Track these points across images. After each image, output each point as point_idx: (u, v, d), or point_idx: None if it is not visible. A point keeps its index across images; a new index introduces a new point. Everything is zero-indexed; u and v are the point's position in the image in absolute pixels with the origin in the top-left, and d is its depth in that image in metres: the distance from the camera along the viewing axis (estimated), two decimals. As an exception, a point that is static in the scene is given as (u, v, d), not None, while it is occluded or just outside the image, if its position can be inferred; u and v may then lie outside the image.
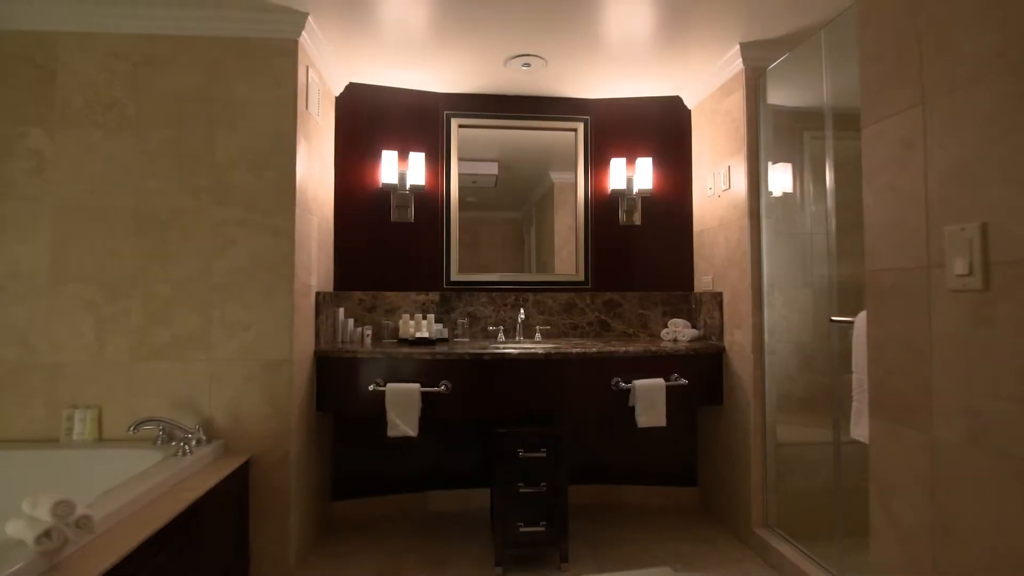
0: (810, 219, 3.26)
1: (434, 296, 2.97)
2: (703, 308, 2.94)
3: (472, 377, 2.41)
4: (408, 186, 2.92)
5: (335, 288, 2.88)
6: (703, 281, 2.96)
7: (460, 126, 3.06)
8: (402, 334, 2.74)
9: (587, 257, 3.09)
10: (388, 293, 2.93)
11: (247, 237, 2.22)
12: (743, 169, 2.54)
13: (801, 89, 2.81)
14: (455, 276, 3.00)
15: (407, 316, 2.76)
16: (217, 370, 2.20)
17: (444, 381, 2.38)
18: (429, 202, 3.02)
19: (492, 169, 3.21)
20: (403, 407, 2.31)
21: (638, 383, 2.43)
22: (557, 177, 3.16)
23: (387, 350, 2.45)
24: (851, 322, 1.83)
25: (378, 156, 2.93)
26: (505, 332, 2.97)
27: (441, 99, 3.05)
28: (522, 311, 2.89)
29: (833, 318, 2.06)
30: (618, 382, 2.46)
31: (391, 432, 2.31)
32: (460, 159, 3.07)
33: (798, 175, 3.25)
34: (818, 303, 3.25)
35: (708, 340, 2.86)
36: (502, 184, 3.15)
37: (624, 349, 2.49)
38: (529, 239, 3.18)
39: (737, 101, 2.59)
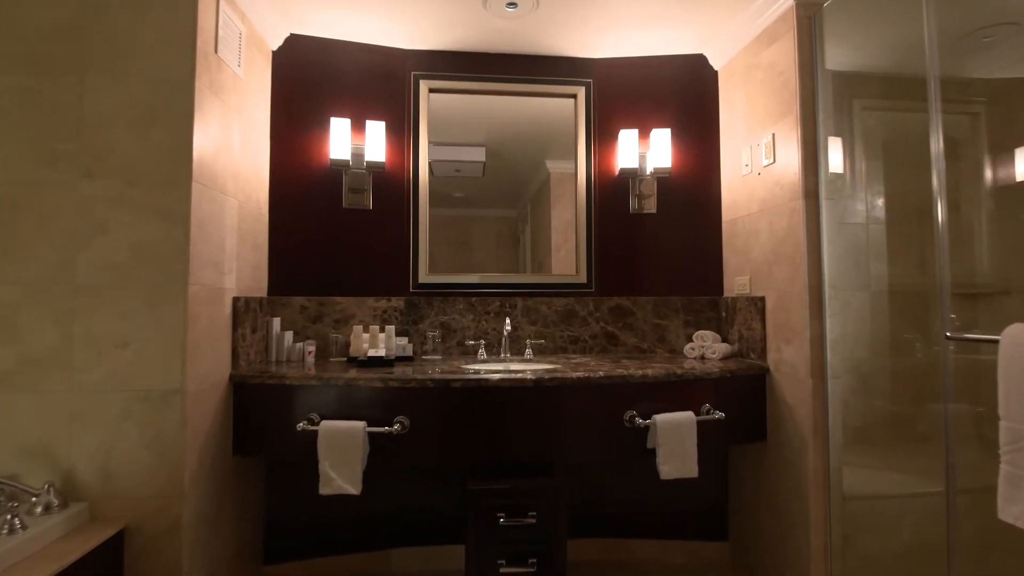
0: (866, 207, 2.67)
1: (398, 302, 2.36)
2: (737, 317, 2.33)
3: (438, 410, 1.79)
4: (365, 164, 2.31)
5: (269, 292, 2.27)
6: (737, 283, 2.35)
7: (432, 91, 2.46)
8: (353, 351, 2.13)
9: (589, 254, 2.48)
10: (339, 298, 2.32)
11: (125, 222, 1.61)
12: (795, 136, 1.94)
13: (854, 46, 2.22)
14: (425, 277, 2.39)
15: (360, 328, 2.15)
16: (81, 404, 1.59)
17: (400, 417, 1.77)
18: (392, 185, 2.41)
19: (478, 155, 2.60)
20: (341, 454, 1.70)
21: (660, 419, 1.82)
22: (554, 166, 2.57)
23: (326, 374, 1.83)
24: (988, 341, 1.22)
25: (326, 126, 2.33)
26: (487, 347, 2.36)
27: (408, 57, 2.45)
28: (508, 321, 2.27)
29: (950, 334, 1.44)
30: (633, 416, 1.85)
31: (323, 489, 1.69)
32: (440, 143, 2.47)
33: (848, 153, 2.67)
34: (876, 310, 2.66)
35: (745, 358, 2.25)
36: (491, 174, 2.55)
37: (640, 372, 1.88)
38: (524, 238, 2.59)
39: (785, 49, 1.99)
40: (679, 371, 1.93)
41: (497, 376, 1.78)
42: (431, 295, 2.39)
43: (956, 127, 2.88)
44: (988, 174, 2.77)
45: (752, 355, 2.21)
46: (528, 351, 2.31)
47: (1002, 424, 1.13)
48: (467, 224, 2.54)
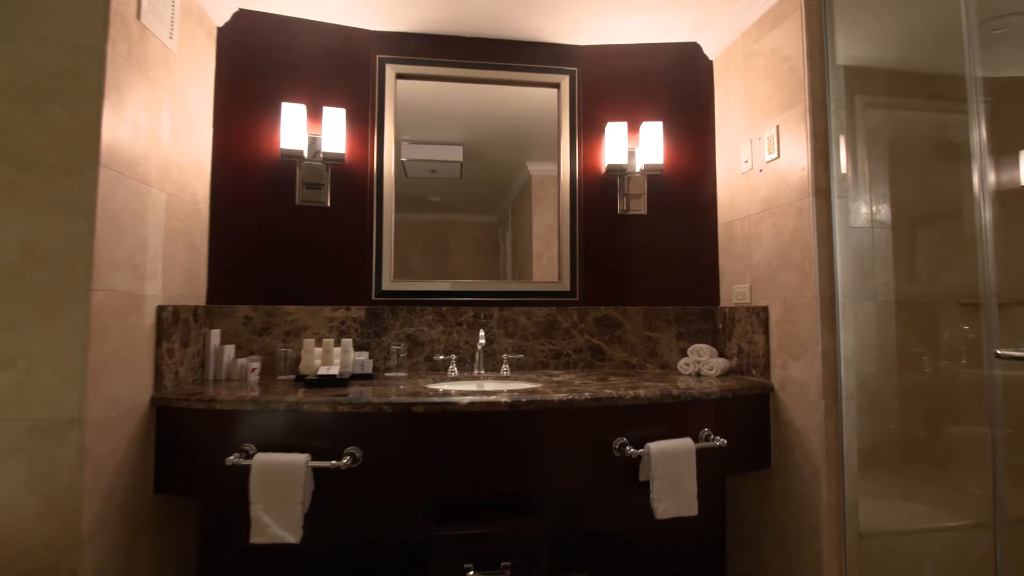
0: (870, 210, 2.48)
1: (358, 312, 2.09)
2: (736, 329, 2.10)
3: (397, 440, 1.53)
4: (321, 155, 2.05)
5: (209, 300, 1.98)
6: (736, 291, 2.13)
7: (400, 76, 2.21)
8: (303, 368, 1.85)
9: (573, 258, 2.24)
10: (290, 308, 2.04)
11: (14, 213, 1.33)
12: (804, 127, 1.73)
13: (857, 37, 2.04)
14: (389, 284, 2.13)
15: (311, 342, 1.88)
16: (-49, 438, 1.29)
17: (352, 448, 1.50)
18: (354, 180, 2.15)
19: (456, 155, 2.36)
20: (278, 493, 1.42)
21: (655, 448, 1.58)
22: (536, 169, 2.34)
23: (265, 397, 1.56)
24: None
25: (278, 112, 2.06)
26: (459, 363, 2.10)
27: (373, 39, 2.21)
28: (482, 334, 2.02)
29: (1001, 351, 1.22)
30: (624, 444, 1.61)
31: (255, 537, 1.42)
32: (414, 141, 2.23)
33: (851, 152, 2.48)
34: (883, 322, 2.46)
35: (746, 375, 2.02)
36: (470, 176, 2.30)
37: (631, 393, 1.64)
38: (505, 245, 2.35)
39: (791, 31, 1.79)
40: (675, 391, 1.69)
41: (466, 399, 1.52)
42: (396, 304, 2.12)
43: (961, 128, 2.72)
44: (992, 178, 2.61)
45: (754, 372, 1.98)
46: (505, 367, 2.06)
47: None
48: (445, 230, 2.30)
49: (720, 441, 1.68)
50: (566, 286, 2.22)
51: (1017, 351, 1.14)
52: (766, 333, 1.92)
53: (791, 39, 1.79)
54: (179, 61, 1.77)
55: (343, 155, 2.06)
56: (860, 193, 2.46)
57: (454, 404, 1.51)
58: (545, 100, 2.31)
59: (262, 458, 1.44)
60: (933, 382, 2.38)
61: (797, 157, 1.76)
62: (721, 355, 2.18)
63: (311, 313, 2.05)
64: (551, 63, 2.29)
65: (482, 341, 2.00)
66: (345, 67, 2.17)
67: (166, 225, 1.69)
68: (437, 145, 2.33)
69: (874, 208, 2.43)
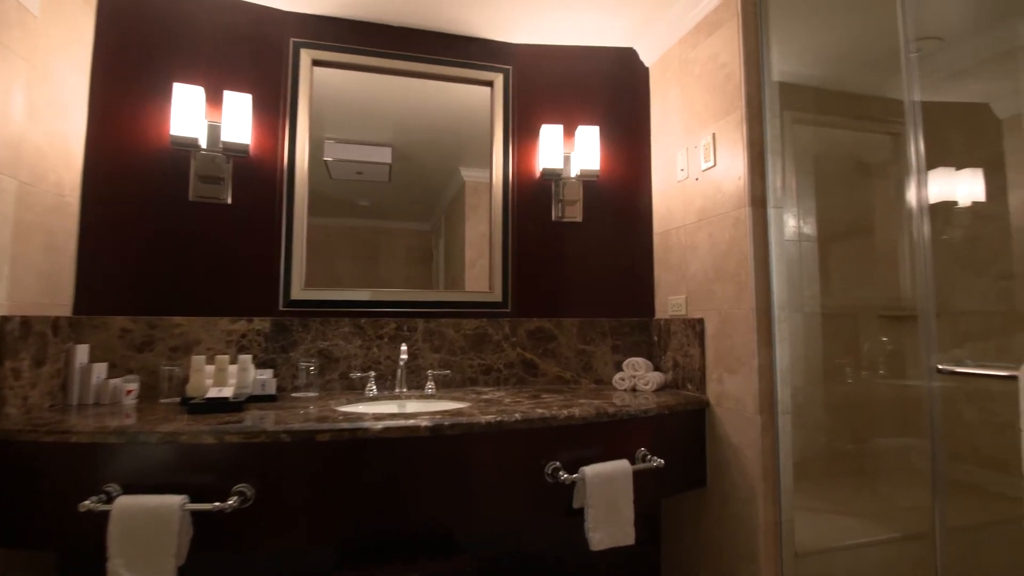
0: (798, 223, 2.52)
1: (263, 324, 1.85)
2: (671, 342, 2.04)
3: (298, 473, 1.32)
4: (221, 145, 1.80)
5: (76, 310, 1.68)
6: (671, 303, 2.06)
7: (316, 63, 2.01)
8: (191, 389, 1.60)
9: (506, 267, 2.11)
10: (180, 319, 1.77)
11: None
12: (740, 135, 1.68)
13: (787, 53, 2.05)
14: (300, 293, 1.90)
15: (202, 359, 1.62)
16: None
17: (242, 485, 1.27)
18: (261, 176, 1.92)
19: (384, 156, 2.17)
20: (143, 545, 1.17)
21: (590, 472, 1.45)
22: (470, 175, 2.19)
23: (134, 427, 1.30)
24: (999, 377, 0.97)
25: (169, 94, 1.80)
26: (378, 381, 1.90)
27: (287, 20, 1.99)
28: (405, 348, 1.83)
29: (942, 367, 1.19)
30: (557, 469, 1.47)
31: (111, 601, 1.16)
32: (339, 140, 2.02)
33: (780, 165, 2.52)
34: (811, 335, 2.49)
35: (681, 389, 1.96)
36: (400, 180, 2.12)
37: (566, 412, 1.51)
38: (438, 253, 2.17)
39: (728, 38, 1.75)
40: (611, 409, 1.58)
41: (381, 425, 1.34)
42: (307, 315, 1.90)
43: (879, 148, 2.84)
44: (924, 194, 2.73)
45: (689, 386, 1.92)
46: (430, 385, 1.88)
47: (1031, 489, 0.86)
48: (375, 237, 2.10)
49: (658, 462, 1.58)
50: (497, 296, 2.08)
51: (957, 366, 1.11)
52: (702, 346, 1.86)
53: (728, 46, 1.75)
54: (43, 27, 1.49)
55: (247, 146, 1.82)
56: (789, 206, 2.50)
57: (366, 431, 1.32)
58: (478, 101, 2.18)
59: (125, 502, 1.18)
60: (857, 394, 2.43)
61: (733, 166, 1.71)
62: (656, 369, 2.11)
63: (205, 325, 1.79)
64: (484, 60, 2.16)
65: (404, 356, 1.81)
66: (254, 49, 1.94)
67: (16, 218, 1.40)
68: (364, 145, 2.14)
69: (801, 222, 2.46)
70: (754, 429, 1.61)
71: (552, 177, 2.14)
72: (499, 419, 1.42)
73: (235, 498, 1.25)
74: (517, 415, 1.45)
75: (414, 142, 2.14)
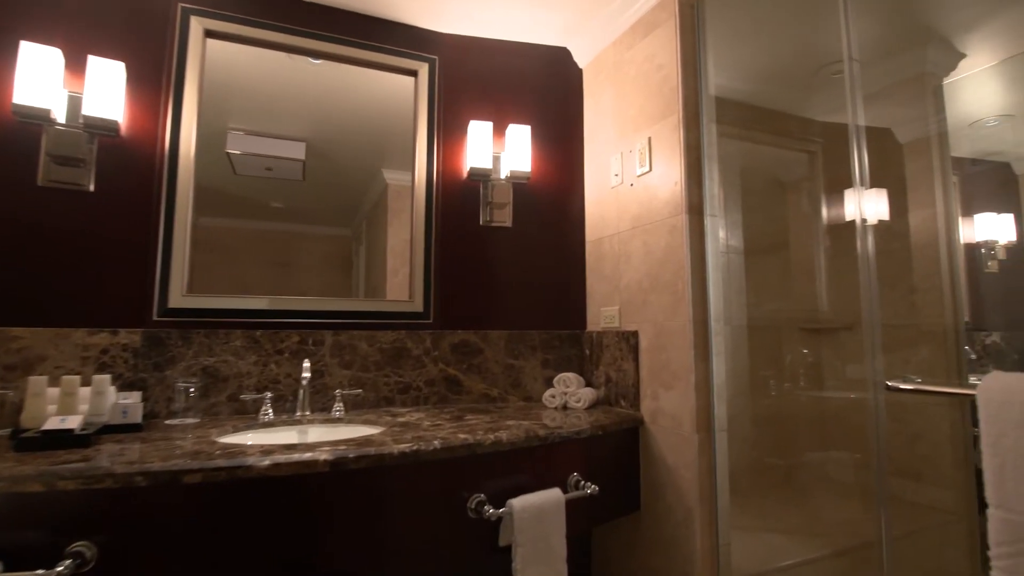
0: (725, 235, 2.51)
1: (131, 337, 1.54)
2: (604, 356, 1.93)
3: (160, 526, 1.05)
4: (82, 119, 1.49)
5: None
6: (604, 315, 1.96)
7: (210, 34, 1.74)
8: (27, 419, 1.27)
9: (428, 275, 1.92)
10: (19, 331, 1.43)
11: None
12: (677, 140, 1.61)
13: (721, 66, 2.04)
14: (180, 300, 1.61)
15: (43, 380, 1.30)
16: None
17: (80, 544, 0.99)
18: (135, 161, 1.61)
19: (296, 152, 1.91)
20: (-77, 637, 0.87)
21: (518, 505, 1.29)
22: (393, 177, 1.99)
23: (-75, 472, 0.98)
24: (956, 395, 0.91)
25: (14, 55, 1.47)
26: (277, 403, 1.64)
27: (173, -18, 1.71)
28: (307, 364, 1.59)
29: (891, 383, 1.13)
30: (481, 503, 1.30)
31: None
32: (247, 131, 1.76)
33: (714, 174, 2.52)
34: (738, 348, 2.48)
35: (614, 406, 1.85)
36: (316, 179, 1.88)
37: (492, 437, 1.34)
38: (358, 261, 1.95)
39: (664, 38, 1.69)
40: (541, 432, 1.43)
41: (267, 461, 1.10)
42: (190, 326, 1.61)
43: (796, 165, 2.94)
44: (824, 212, 2.83)
45: (623, 402, 1.81)
46: (338, 406, 1.65)
47: (994, 514, 0.80)
48: (290, 242, 1.84)
49: (592, 488, 1.44)
50: (418, 307, 1.88)
51: (904, 383, 1.06)
52: (636, 360, 1.76)
53: (664, 47, 1.68)
54: None
55: (117, 124, 1.52)
56: (720, 217, 2.50)
57: (249, 468, 1.08)
58: (402, 94, 1.99)
59: None
60: (780, 407, 2.45)
61: (670, 171, 1.63)
62: (588, 384, 1.99)
63: (54, 339, 1.46)
64: (408, 47, 1.98)
65: (307, 374, 1.57)
66: (131, 10, 1.64)
67: None
68: (274, 139, 1.88)
69: (728, 233, 2.46)
70: (691, 448, 1.52)
71: (480, 178, 1.99)
72: (415, 448, 1.22)
73: (69, 562, 0.97)
74: (436, 443, 1.26)
75: (332, 138, 1.92)
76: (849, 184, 2.77)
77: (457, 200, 2.00)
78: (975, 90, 2.60)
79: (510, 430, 1.40)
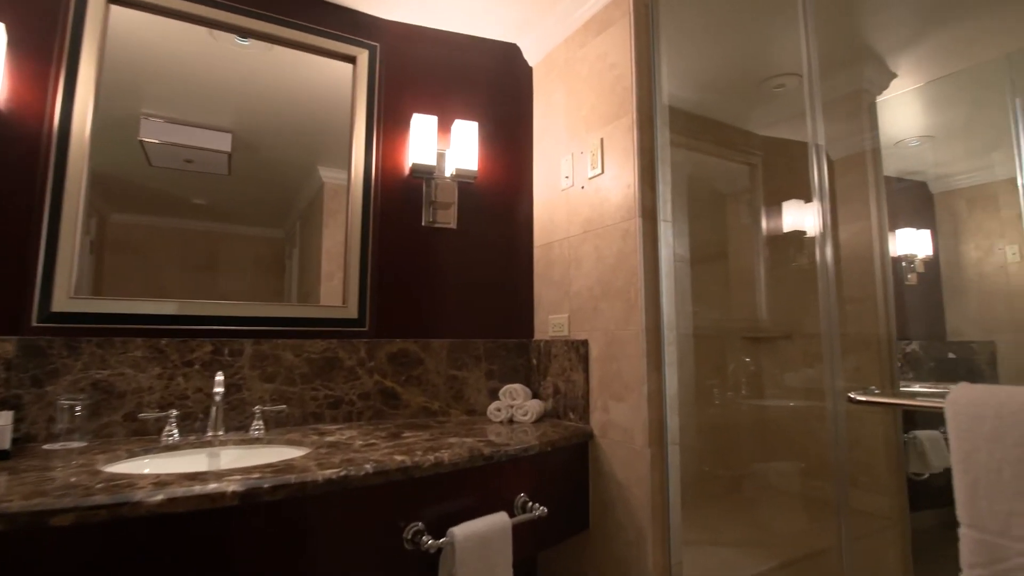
0: (673, 244, 2.50)
1: (3, 347, 1.30)
2: (552, 366, 1.84)
3: (14, 578, 0.85)
4: (-58, 88, 1.25)
5: None
6: (552, 323, 1.87)
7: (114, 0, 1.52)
8: None
9: (364, 279, 1.77)
10: None
11: None
12: (631, 141, 1.55)
13: (669, 74, 2.02)
14: (66, 303, 1.38)
15: None
16: None
17: (-99, 608, 0.78)
18: (16, 141, 1.37)
19: (221, 143, 1.71)
20: None
21: (460, 535, 1.16)
22: (330, 175, 1.83)
23: None
24: (926, 408, 0.88)
25: None
26: (183, 422, 1.44)
27: (68, -62, 1.48)
28: (221, 378, 1.40)
29: (854, 395, 1.09)
30: (419, 532, 1.16)
31: None
32: (163, 119, 1.55)
33: (667, 178, 2.51)
34: (684, 357, 2.46)
35: (562, 419, 1.76)
36: (244, 175, 1.69)
37: (432, 458, 1.21)
38: (291, 264, 1.76)
39: (618, 37, 1.63)
40: (487, 450, 1.31)
41: (162, 495, 0.92)
42: (78, 333, 1.38)
43: (738, 176, 2.99)
44: (764, 224, 2.89)
45: (572, 415, 1.72)
46: (257, 424, 1.46)
47: (967, 534, 0.76)
48: (215, 243, 1.63)
49: (540, 510, 1.34)
50: (352, 313, 1.72)
51: (866, 395, 1.02)
52: (586, 371, 1.68)
53: (618, 46, 1.62)
54: None
55: (-11, 95, 1.29)
56: (671, 223, 2.48)
57: (136, 506, 0.90)
58: (341, 84, 1.83)
59: None
60: (724, 416, 2.45)
61: (623, 174, 1.57)
62: (535, 396, 1.89)
63: None
64: (347, 31, 1.83)
65: (220, 388, 1.38)
66: (11, -34, 1.41)
67: None
68: (196, 128, 1.67)
69: (676, 241, 2.45)
70: (643, 463, 1.45)
71: (423, 175, 1.86)
72: (343, 474, 1.07)
73: None
74: (368, 466, 1.11)
75: (262, 130, 1.73)
76: (787, 197, 2.85)
77: (398, 199, 1.86)
78: (901, 111, 2.74)
79: (452, 449, 1.28)
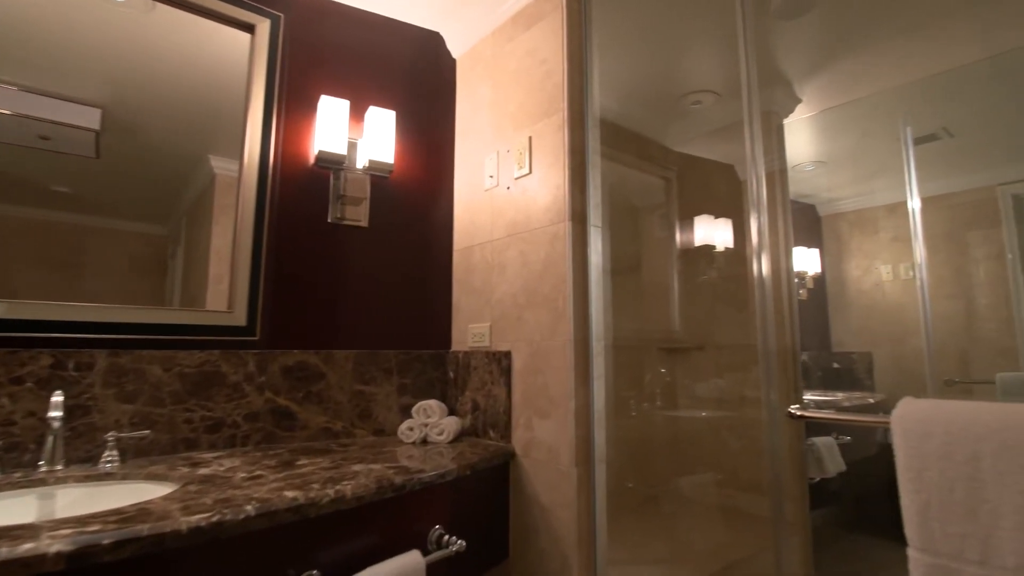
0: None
1: None
2: (471, 379, 1.70)
3: None
4: None
5: None
6: (472, 332, 1.73)
7: (-78, -83, 1.19)
8: None
9: (256, 281, 1.53)
10: None
11: None
12: (561, 140, 1.46)
13: (599, 81, 1.98)
14: None
15: None
16: None
17: None
18: None
19: (88, 119, 1.40)
20: None
21: (367, 582, 0.98)
22: (223, 166, 1.57)
23: None
24: (873, 423, 0.84)
25: None
26: (9, 454, 1.13)
27: None
28: (59, 398, 1.11)
29: (796, 411, 1.05)
30: (314, 583, 0.97)
31: None
32: (14, 86, 1.22)
33: (597, 181, 2.48)
34: (606, 368, 2.42)
35: (482, 437, 1.62)
36: (118, 159, 1.40)
37: (331, 491, 1.02)
38: (175, 264, 1.47)
39: (549, 32, 1.54)
40: (398, 479, 1.14)
41: (-59, 565, 0.67)
42: None
43: (654, 190, 3.04)
44: (678, 237, 2.95)
45: (492, 433, 1.59)
46: (110, 455, 1.18)
47: (919, 558, 0.72)
48: (81, 238, 1.32)
49: (458, 544, 1.19)
50: (240, 319, 1.47)
51: (803, 410, 0.98)
52: (508, 384, 1.56)
53: (549, 41, 1.54)
54: None
55: None
56: (600, 228, 2.45)
57: None
58: (240, 58, 1.59)
59: None
60: (641, 428, 2.44)
61: (552, 175, 1.48)
62: (452, 412, 1.74)
63: None
64: (243, -3, 1.59)
65: (57, 412, 1.10)
66: None
67: None
68: (56, 99, 1.36)
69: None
70: (569, 485, 1.35)
71: (331, 165, 1.65)
72: (216, 520, 0.86)
73: None
74: (251, 507, 0.91)
75: (143, 109, 1.45)
76: (698, 212, 2.93)
77: (300, 191, 1.64)
78: (800, 136, 2.93)
79: (357, 479, 1.10)
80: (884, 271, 3.25)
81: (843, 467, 2.34)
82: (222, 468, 1.18)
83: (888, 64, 2.13)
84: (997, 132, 2.51)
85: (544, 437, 1.43)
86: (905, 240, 3.14)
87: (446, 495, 1.26)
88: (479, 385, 1.66)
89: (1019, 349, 2.69)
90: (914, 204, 2.43)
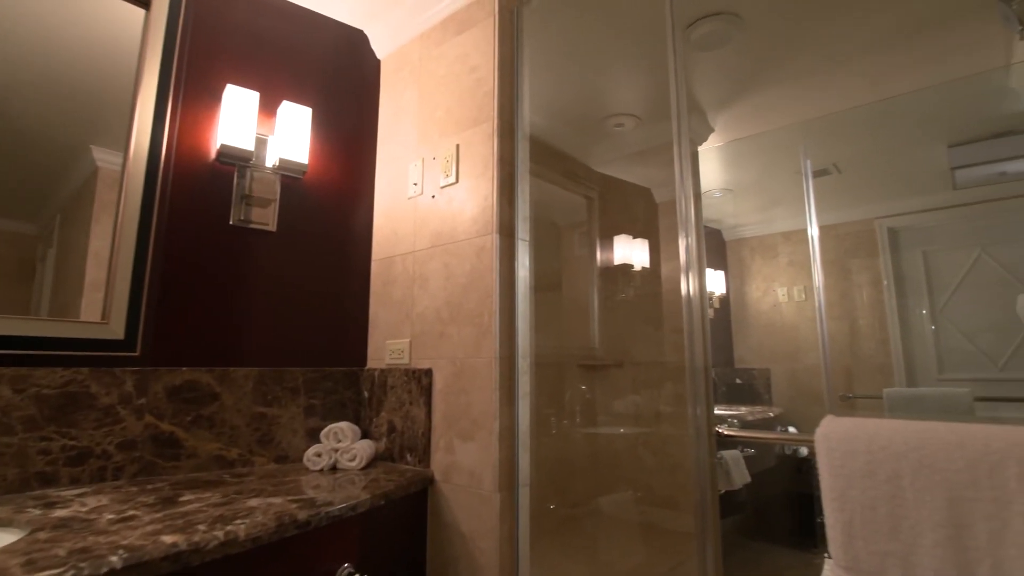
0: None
1: None
2: (388, 399, 1.59)
3: None
4: None
5: None
6: (390, 349, 1.62)
7: None
8: None
9: (140, 289, 1.33)
10: None
11: None
12: (491, 150, 1.42)
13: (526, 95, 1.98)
14: None
15: None
16: None
17: None
18: None
19: None
20: None
21: (262, 638, 0.85)
22: (108, 159, 1.37)
23: None
24: (797, 441, 0.85)
25: None
26: None
27: None
28: None
29: (725, 430, 1.04)
30: (196, 645, 0.82)
31: None
32: None
33: (526, 193, 2.45)
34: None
35: (398, 463, 1.51)
36: None
37: (220, 535, 0.88)
38: (45, 268, 1.23)
39: (481, 39, 1.50)
40: (302, 515, 1.01)
41: None
42: None
43: (576, 208, 3.08)
44: (598, 256, 3.00)
45: (409, 457, 1.48)
46: (-71, 498, 0.95)
47: (828, 567, 0.71)
48: None
49: (369, 583, 1.08)
50: (117, 332, 1.27)
51: (731, 430, 0.98)
52: (428, 404, 1.46)
53: (479, 48, 1.49)
54: None
55: None
56: (528, 242, 2.41)
57: None
58: (131, 36, 1.40)
59: None
60: (561, 447, 2.42)
61: (480, 185, 1.42)
62: (366, 435, 1.61)
63: None
64: (135, -33, 1.41)
65: None
66: None
67: None
68: None
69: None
70: (492, 511, 1.27)
71: (236, 161, 1.49)
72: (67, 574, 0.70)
73: None
74: (116, 558, 0.75)
75: (10, 87, 1.23)
76: (618, 232, 3.00)
77: (197, 188, 1.46)
78: (710, 164, 3.10)
79: (252, 516, 0.96)
80: (780, 293, 3.51)
81: (748, 479, 2.45)
82: (84, 508, 0.99)
83: (792, 100, 2.30)
84: (877, 170, 2.80)
85: (466, 460, 1.35)
86: (799, 265, 3.41)
87: (357, 529, 1.14)
88: (396, 405, 1.55)
89: (893, 366, 2.98)
90: (813, 231, 2.62)
